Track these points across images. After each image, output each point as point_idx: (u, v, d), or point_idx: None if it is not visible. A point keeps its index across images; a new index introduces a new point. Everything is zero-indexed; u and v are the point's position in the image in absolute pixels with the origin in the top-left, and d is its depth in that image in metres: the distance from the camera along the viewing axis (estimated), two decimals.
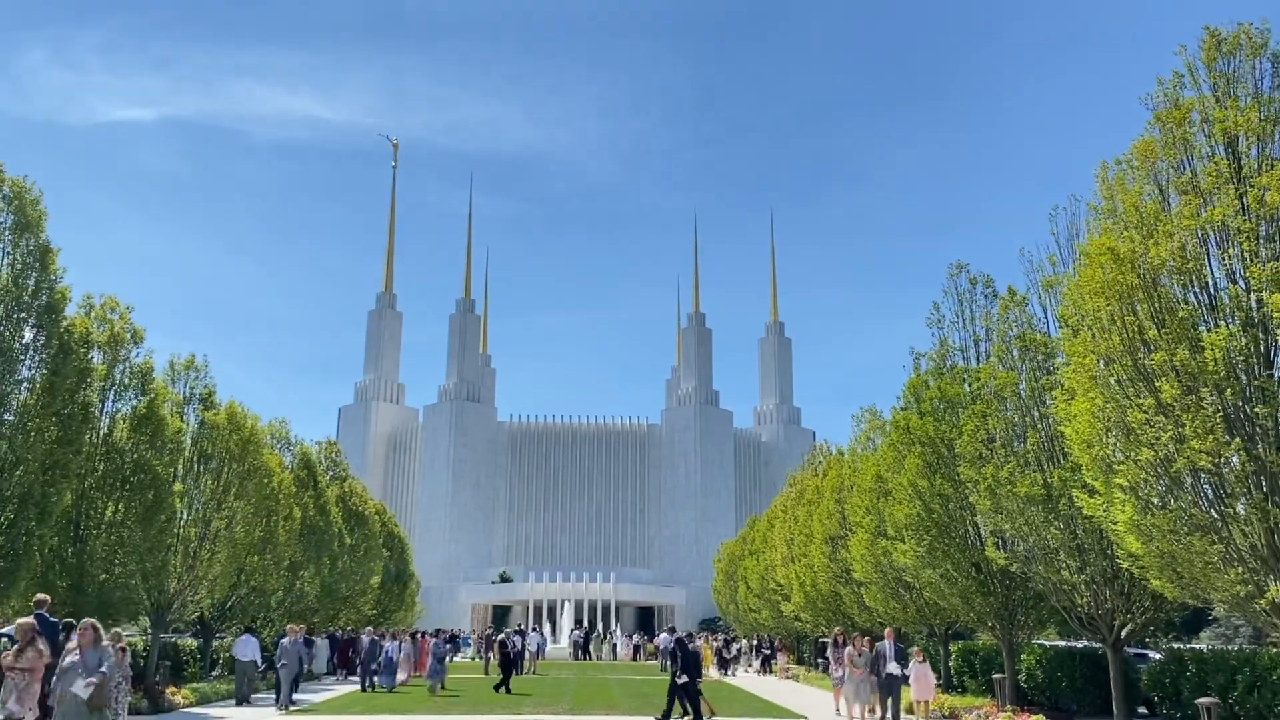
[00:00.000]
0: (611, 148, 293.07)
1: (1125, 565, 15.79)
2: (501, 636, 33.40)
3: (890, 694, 21.42)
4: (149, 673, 25.34)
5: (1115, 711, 18.75)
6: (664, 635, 55.64)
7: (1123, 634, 19.20)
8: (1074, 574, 18.98)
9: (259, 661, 28.72)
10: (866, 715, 22.06)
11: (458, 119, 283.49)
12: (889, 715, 21.58)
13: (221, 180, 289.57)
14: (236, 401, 30.43)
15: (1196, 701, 13.43)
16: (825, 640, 47.97)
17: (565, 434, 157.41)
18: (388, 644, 32.42)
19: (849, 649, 22.89)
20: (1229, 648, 22.22)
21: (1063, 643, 39.03)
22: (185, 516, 27.80)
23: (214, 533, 28.21)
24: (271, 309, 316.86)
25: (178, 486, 26.57)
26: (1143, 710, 22.71)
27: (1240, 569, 13.53)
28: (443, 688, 29.93)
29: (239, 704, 26.31)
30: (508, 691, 28.74)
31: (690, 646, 21.55)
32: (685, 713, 20.29)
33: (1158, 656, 24.94)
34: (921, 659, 22.23)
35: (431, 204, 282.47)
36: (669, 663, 48.48)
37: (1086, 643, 33.65)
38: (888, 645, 21.74)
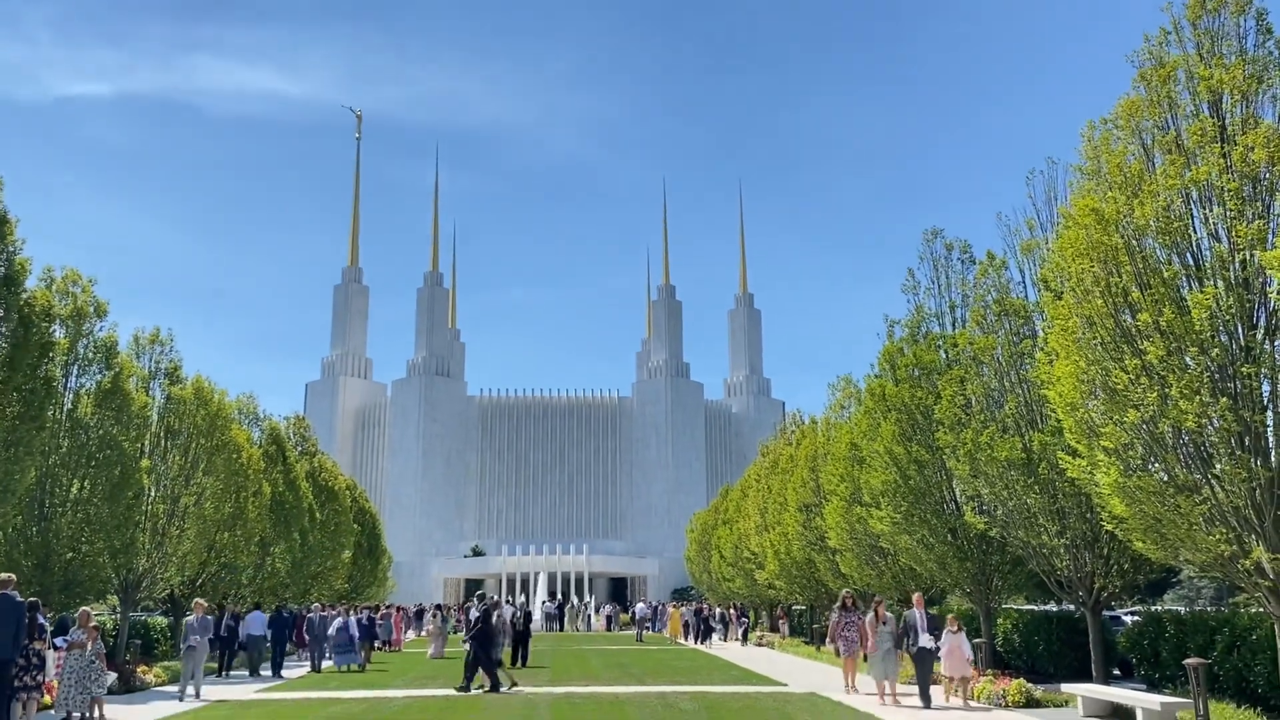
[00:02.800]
0: (577, 120, 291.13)
1: (1109, 527, 15.78)
2: (510, 610, 31.66)
3: (922, 670, 18.47)
4: (119, 651, 24.94)
5: (1094, 673, 18.84)
6: (640, 605, 55.79)
7: (1101, 596, 19.29)
8: (1054, 538, 19.01)
9: (267, 636, 29.21)
10: (893, 694, 18.91)
11: (420, 92, 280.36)
12: (919, 695, 18.45)
13: (180, 156, 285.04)
14: (203, 376, 29.96)
15: (1184, 663, 13.44)
16: (800, 607, 48.23)
17: (536, 408, 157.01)
18: (341, 620, 30.41)
19: (870, 616, 20.07)
20: (1194, 609, 22.41)
21: (1029, 606, 39.44)
22: (153, 493, 27.36)
23: (183, 509, 27.79)
24: (235, 285, 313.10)
25: (145, 463, 26.07)
26: (1117, 672, 22.89)
27: (1224, 529, 13.53)
28: (360, 668, 29.24)
29: (251, 675, 27.29)
30: (524, 665, 28.45)
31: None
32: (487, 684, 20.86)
33: (1128, 619, 25.16)
34: (957, 628, 19.10)
35: (396, 178, 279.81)
36: (639, 630, 48.90)
37: (1058, 606, 33.97)
38: (918, 614, 18.82)
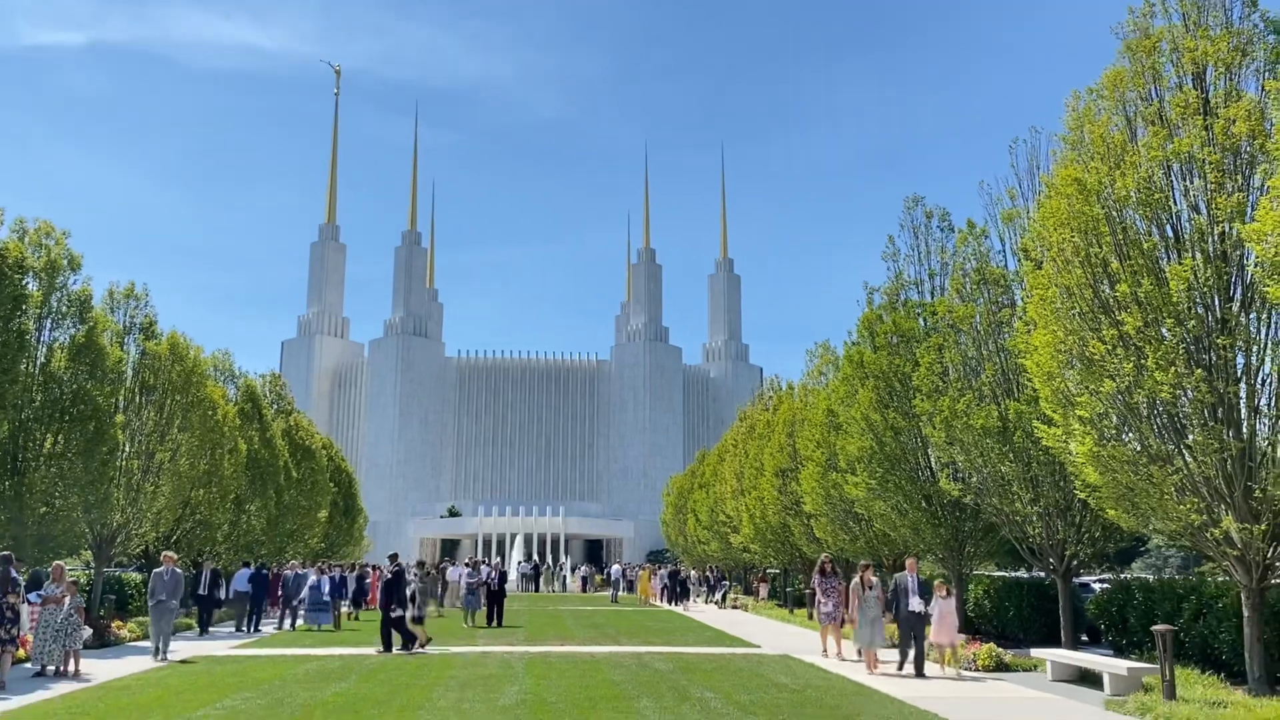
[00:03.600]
0: (558, 79, 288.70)
1: (1083, 496, 15.98)
2: (486, 571, 31.57)
3: (913, 636, 17.25)
4: (94, 607, 24.87)
5: (1063, 639, 19.14)
6: (615, 567, 56.11)
7: (1072, 564, 19.56)
8: (1027, 505, 19.23)
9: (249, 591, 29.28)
10: (877, 663, 17.70)
11: (399, 48, 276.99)
12: (910, 663, 17.34)
13: (155, 108, 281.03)
14: (179, 332, 29.68)
15: (1153, 629, 13.65)
16: (773, 570, 48.67)
17: (514, 369, 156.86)
18: (315, 578, 29.51)
19: (854, 581, 18.74)
20: (1161, 577, 22.76)
21: (1001, 573, 39.93)
22: (128, 449, 27.19)
23: (158, 465, 27.64)
24: (209, 240, 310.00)
25: (119, 418, 25.84)
26: (1085, 638, 23.25)
27: (1195, 499, 13.72)
28: (333, 627, 28.22)
29: (238, 629, 27.50)
30: (499, 625, 28.57)
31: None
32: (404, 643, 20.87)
33: (1097, 587, 25.50)
34: (946, 593, 17.91)
35: (375, 135, 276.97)
36: (614, 592, 49.24)
37: (1029, 573, 34.41)
38: (909, 578, 17.66)
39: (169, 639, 19.61)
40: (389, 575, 21.92)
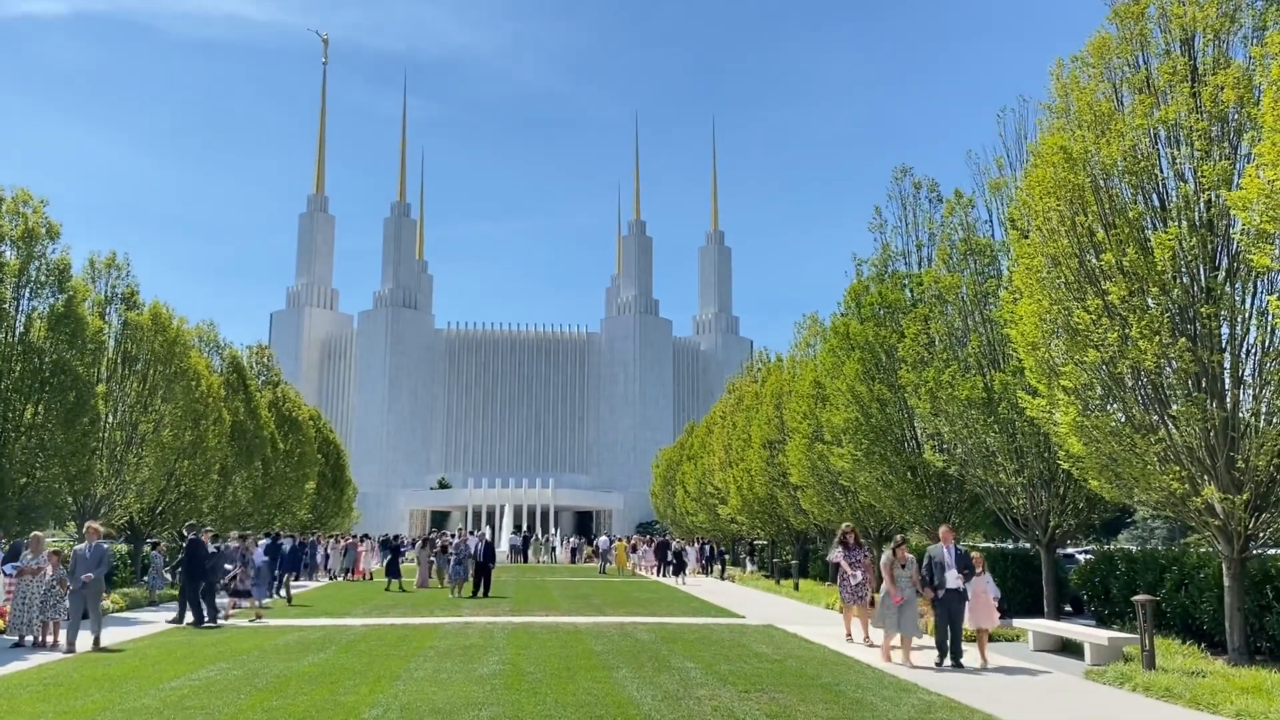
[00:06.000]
0: (547, 50, 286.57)
1: (1066, 466, 15.93)
2: (474, 541, 31.36)
3: (949, 617, 14.41)
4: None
5: (1046, 609, 19.18)
6: (603, 539, 56.18)
7: (1056, 534, 19.57)
8: (1011, 476, 19.20)
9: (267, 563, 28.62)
10: (909, 653, 14.55)
11: (387, 18, 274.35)
12: (947, 651, 14.41)
13: (141, 78, 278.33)
14: (161, 302, 29.43)
15: (1133, 599, 13.62)
16: (761, 541, 48.73)
17: (504, 341, 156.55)
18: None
19: (886, 557, 15.24)
20: (1145, 548, 22.81)
21: (986, 544, 40.07)
22: (110, 420, 27.03)
23: (141, 436, 27.50)
24: (197, 211, 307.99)
25: (100, 388, 25.66)
26: (1070, 609, 23.32)
27: (1177, 469, 13.68)
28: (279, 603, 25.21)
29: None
30: (486, 595, 28.50)
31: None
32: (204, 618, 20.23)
33: (1082, 558, 25.56)
34: (983, 568, 15.33)
35: (363, 106, 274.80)
36: (603, 563, 49.20)
37: (1014, 544, 34.56)
38: (944, 550, 14.73)
39: (100, 624, 16.25)
40: (187, 542, 20.68)
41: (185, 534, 22.03)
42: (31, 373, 23.28)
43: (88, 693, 11.27)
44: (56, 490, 23.65)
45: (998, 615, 15.38)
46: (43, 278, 24.01)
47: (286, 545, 30.77)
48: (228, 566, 22.21)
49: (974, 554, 15.50)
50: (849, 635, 17.79)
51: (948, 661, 14.30)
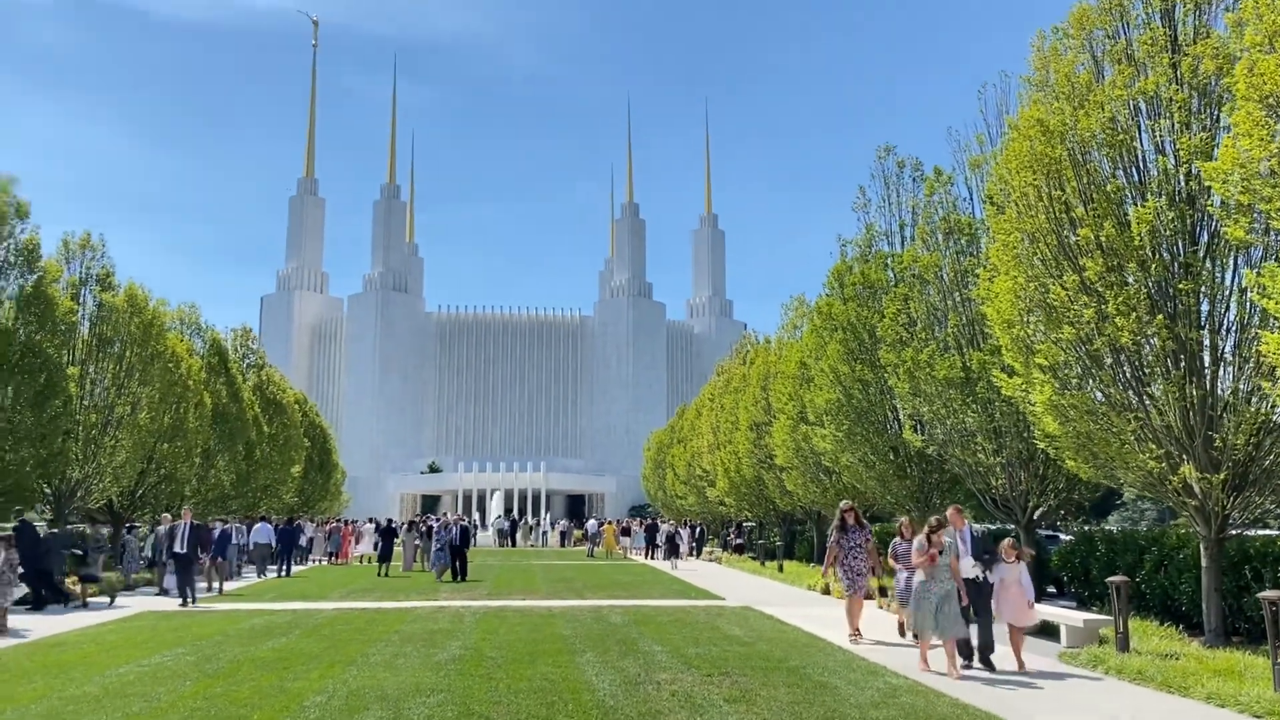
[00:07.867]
0: (539, 33, 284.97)
1: (1042, 446, 15.69)
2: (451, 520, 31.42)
3: (977, 612, 12.28)
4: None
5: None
6: (591, 522, 55.96)
7: (1035, 515, 19.34)
8: (990, 456, 18.96)
9: (273, 544, 31.86)
10: (954, 660, 11.71)
11: (377, 1, 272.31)
12: (972, 653, 12.31)
13: (129, 61, 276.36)
14: (137, 283, 29.02)
15: (1107, 580, 13.40)
16: (749, 523, 48.49)
17: (496, 325, 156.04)
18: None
19: (919, 540, 12.22)
20: (1127, 529, 22.63)
21: (975, 525, 39.88)
22: (85, 402, 26.64)
23: (117, 419, 27.12)
24: (186, 194, 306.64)
25: (73, 370, 25.27)
26: (1051, 590, 23.12)
27: (1155, 448, 13.42)
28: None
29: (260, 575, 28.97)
30: (463, 579, 28.29)
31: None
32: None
33: (1065, 538, 25.35)
34: (1015, 557, 12.69)
35: (354, 89, 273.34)
36: (591, 546, 48.96)
37: (997, 525, 34.35)
38: (955, 534, 12.51)
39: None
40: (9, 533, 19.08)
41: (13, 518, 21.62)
42: (0, 355, 22.91)
43: (31, 680, 10.98)
44: (26, 474, 23.29)
45: (1034, 612, 12.80)
46: (11, 258, 23.63)
47: (264, 529, 31.69)
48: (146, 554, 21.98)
49: (1006, 541, 12.99)
50: (854, 633, 14.70)
51: (976, 663, 12.20)
